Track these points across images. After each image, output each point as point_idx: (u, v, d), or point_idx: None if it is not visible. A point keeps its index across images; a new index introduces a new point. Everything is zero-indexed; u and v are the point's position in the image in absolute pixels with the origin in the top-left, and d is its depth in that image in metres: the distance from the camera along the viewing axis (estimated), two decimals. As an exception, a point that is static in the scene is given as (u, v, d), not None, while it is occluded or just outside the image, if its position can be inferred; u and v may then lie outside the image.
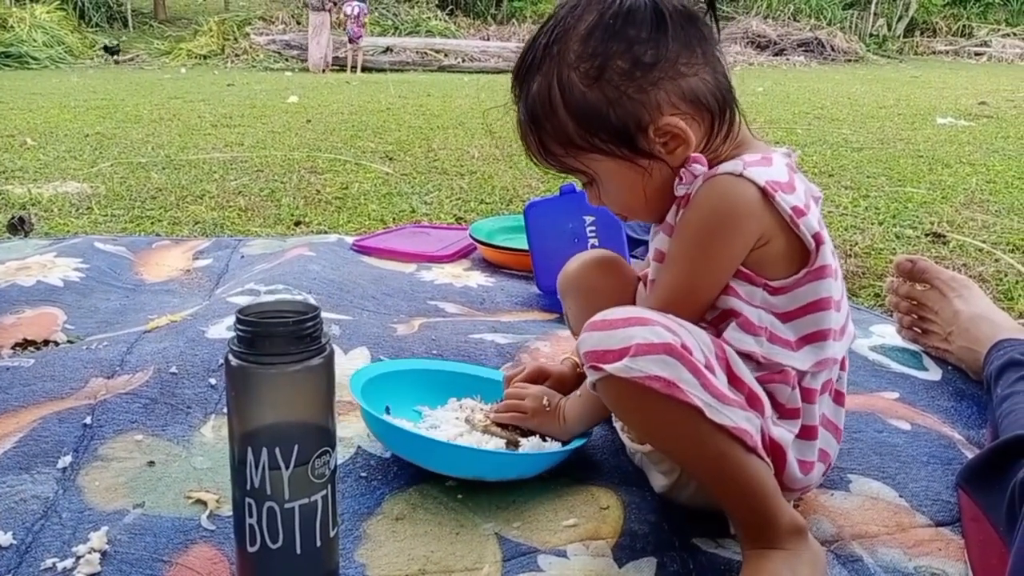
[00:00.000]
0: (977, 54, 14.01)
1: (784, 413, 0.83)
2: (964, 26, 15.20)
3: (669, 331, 0.75)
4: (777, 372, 0.82)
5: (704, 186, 0.80)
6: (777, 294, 0.81)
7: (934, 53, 14.25)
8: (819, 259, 0.80)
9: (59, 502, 0.88)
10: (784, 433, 0.82)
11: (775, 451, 0.80)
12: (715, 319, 0.84)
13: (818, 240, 0.80)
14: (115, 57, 11.84)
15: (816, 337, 0.82)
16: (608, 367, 0.74)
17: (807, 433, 0.84)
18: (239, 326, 0.70)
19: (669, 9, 0.81)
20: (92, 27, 13.73)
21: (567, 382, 1.04)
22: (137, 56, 12.25)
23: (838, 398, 0.88)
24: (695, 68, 0.81)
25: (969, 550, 0.84)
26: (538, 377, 1.06)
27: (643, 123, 0.81)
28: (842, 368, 0.88)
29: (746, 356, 0.81)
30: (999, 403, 1.04)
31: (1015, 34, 14.84)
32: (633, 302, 0.97)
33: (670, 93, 0.81)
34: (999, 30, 15.02)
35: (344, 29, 10.85)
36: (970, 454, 1.01)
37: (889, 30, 14.55)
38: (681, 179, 0.82)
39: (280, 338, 0.70)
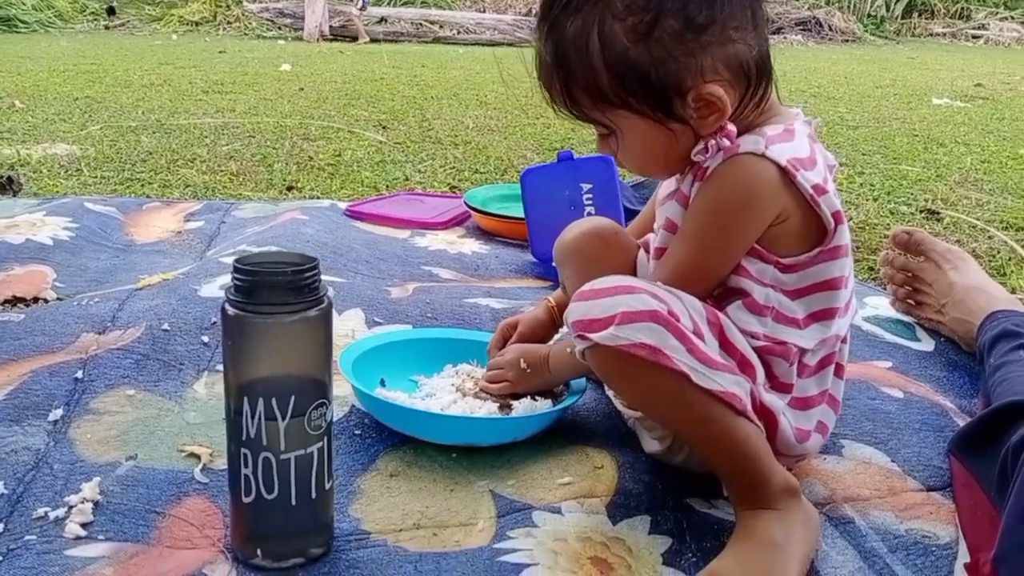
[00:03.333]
0: (974, 37, 13.97)
1: (776, 385, 0.83)
2: (962, 8, 15.15)
3: (655, 298, 0.75)
4: (778, 344, 0.81)
5: (724, 165, 0.78)
6: (788, 271, 0.80)
7: (931, 35, 14.20)
8: (835, 238, 0.80)
9: (50, 454, 0.87)
10: (775, 400, 0.82)
11: (766, 416, 0.80)
12: (720, 295, 0.83)
13: (837, 219, 0.79)
14: (113, 18, 11.79)
15: (824, 315, 0.82)
16: (594, 336, 0.74)
17: (801, 404, 0.84)
18: (236, 275, 0.70)
19: None
20: (82, -9, 13.52)
21: (539, 326, 1.04)
22: (128, 22, 12.09)
23: (838, 371, 0.88)
24: (743, 33, 0.78)
25: (960, 514, 0.85)
26: (507, 329, 1.05)
27: (684, 88, 0.77)
28: (843, 341, 0.87)
29: (748, 335, 0.80)
30: (991, 372, 1.05)
31: (1013, 17, 14.80)
32: (633, 270, 0.96)
33: (716, 59, 0.77)
34: (997, 13, 14.97)
35: None
36: (962, 422, 1.02)
37: (887, 11, 14.49)
38: (706, 149, 0.79)
39: (278, 288, 0.70)
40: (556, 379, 0.97)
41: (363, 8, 10.58)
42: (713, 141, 0.79)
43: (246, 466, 0.72)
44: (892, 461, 0.93)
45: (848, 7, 13.65)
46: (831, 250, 0.80)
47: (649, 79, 0.77)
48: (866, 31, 13.23)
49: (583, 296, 0.77)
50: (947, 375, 1.17)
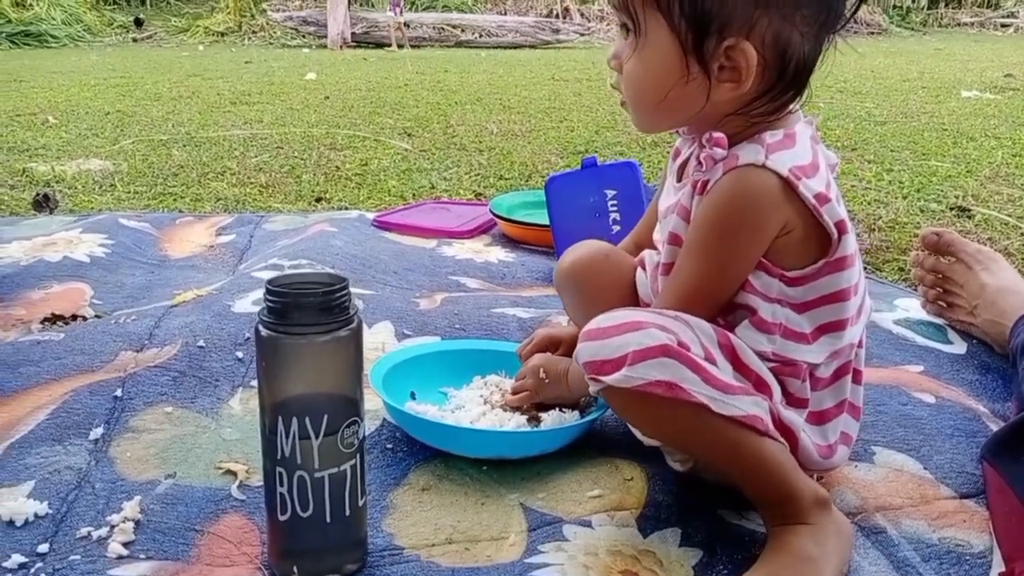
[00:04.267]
0: (1004, 25, 13.75)
1: (792, 402, 0.82)
2: (990, -3, 14.93)
3: (664, 330, 0.74)
4: (788, 365, 0.81)
5: (724, 180, 0.77)
6: (794, 284, 0.79)
7: (959, 25, 14.01)
8: (840, 249, 0.78)
9: (92, 472, 0.89)
10: (794, 416, 0.81)
11: (786, 432, 0.80)
12: (728, 312, 0.83)
13: (841, 229, 0.78)
14: (140, 30, 12.04)
15: (833, 327, 0.81)
16: (607, 379, 0.74)
17: (817, 418, 0.84)
18: (269, 297, 0.71)
19: None
20: (110, 5, 13.72)
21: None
22: (155, 33, 12.26)
23: (856, 377, 0.87)
24: (806, 28, 0.76)
25: (994, 521, 0.84)
26: (548, 345, 1.05)
27: (725, 31, 0.75)
28: (859, 346, 0.86)
29: (758, 355, 0.80)
30: (1024, 376, 1.04)
31: (1042, 5, 14.56)
32: (632, 290, 0.95)
33: (769, 27, 0.75)
34: (1026, 0, 14.73)
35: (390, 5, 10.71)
36: (995, 427, 1.01)
37: (913, 1, 14.31)
38: (700, 164, 0.79)
39: (309, 309, 0.71)
40: (575, 394, 0.98)
41: (398, 13, 10.51)
42: (706, 152, 0.78)
43: (281, 485, 0.73)
44: (924, 468, 0.93)
45: (873, -1, 13.49)
46: (836, 261, 0.79)
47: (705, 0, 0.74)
48: (892, 22, 13.08)
49: (590, 336, 0.76)
50: (980, 378, 1.16)
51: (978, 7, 14.74)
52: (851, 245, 0.80)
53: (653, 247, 0.96)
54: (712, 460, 0.81)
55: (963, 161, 2.92)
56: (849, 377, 0.85)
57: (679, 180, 0.87)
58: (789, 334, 0.80)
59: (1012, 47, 10.73)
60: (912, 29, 13.21)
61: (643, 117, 0.85)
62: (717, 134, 0.78)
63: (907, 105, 4.57)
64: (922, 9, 14.22)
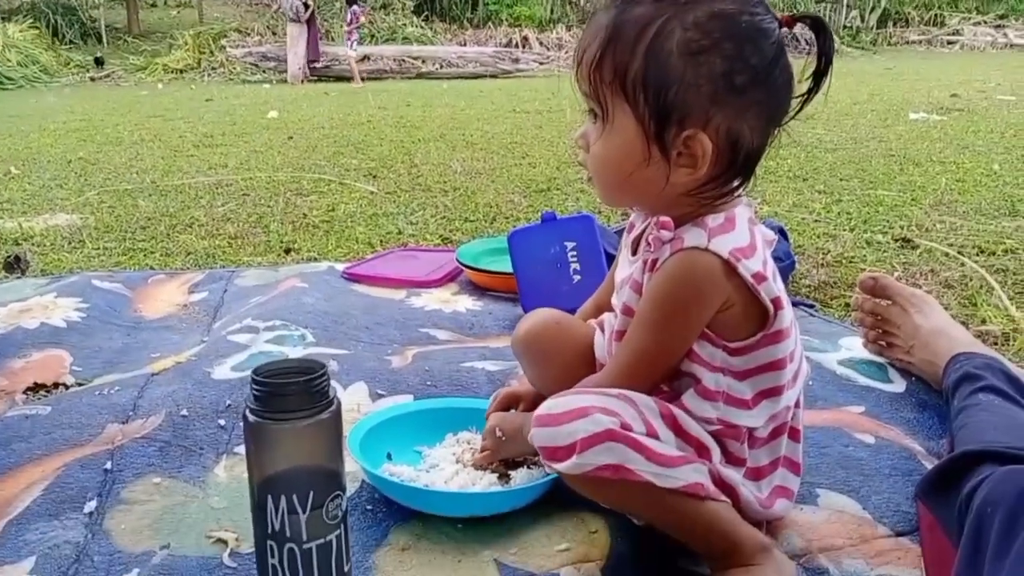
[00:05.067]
0: (950, 42, 14.19)
1: (731, 460, 0.91)
2: (936, 15, 15.39)
3: (608, 414, 0.82)
4: (731, 428, 0.89)
5: (671, 260, 0.85)
6: (736, 355, 0.88)
7: (907, 43, 14.43)
8: (776, 323, 0.86)
9: (90, 546, 0.94)
10: (732, 473, 0.89)
11: (727, 489, 0.88)
12: (674, 379, 0.91)
13: (776, 305, 0.86)
14: (99, 69, 12.04)
15: (771, 392, 0.89)
16: (560, 466, 0.83)
17: (754, 474, 0.92)
18: (255, 386, 0.77)
19: (783, 64, 0.83)
20: (66, 44, 13.67)
21: (539, 399, 1.10)
22: (113, 72, 12.22)
23: (793, 435, 0.95)
24: (756, 123, 0.84)
25: (925, 558, 0.92)
26: (510, 402, 1.11)
27: (686, 121, 0.82)
28: (796, 406, 0.94)
29: (703, 421, 0.88)
30: (955, 415, 1.13)
31: (986, 22, 15.04)
32: (583, 355, 1.03)
33: (724, 122, 0.82)
34: (970, 18, 15.21)
35: (347, 39, 10.80)
36: (929, 465, 1.09)
37: (862, 21, 14.69)
38: (649, 245, 0.87)
39: (292, 396, 0.77)
40: (531, 449, 1.04)
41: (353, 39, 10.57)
42: (654, 234, 0.86)
43: (272, 556, 0.79)
44: (863, 508, 1.01)
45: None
46: (773, 334, 0.87)
47: (668, 90, 0.81)
48: (843, 43, 13.42)
49: (542, 422, 0.84)
50: (917, 416, 1.25)
51: (925, 25, 15.17)
52: (787, 319, 0.88)
53: (612, 310, 1.03)
54: (660, 524, 0.89)
55: (909, 189, 3.05)
56: (785, 436, 0.94)
57: (633, 254, 0.95)
58: (732, 400, 0.88)
59: (958, 64, 11.08)
60: (863, 49, 13.56)
61: (607, 193, 0.94)
62: (664, 218, 0.87)
63: (856, 130, 4.73)
64: (871, 29, 14.60)
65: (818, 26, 0.85)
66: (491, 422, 1.06)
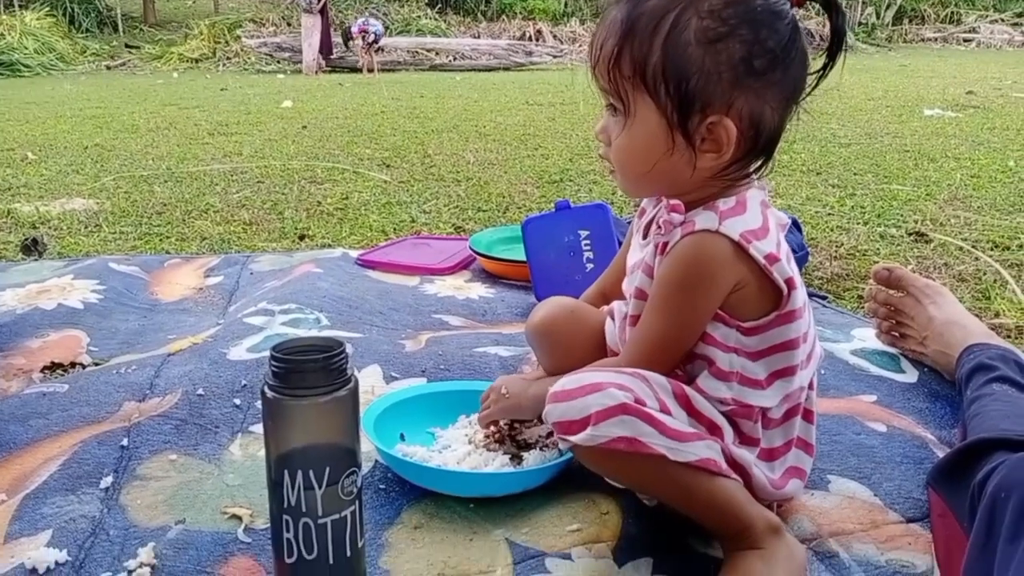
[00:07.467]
0: (966, 40, 14.10)
1: (744, 440, 0.91)
2: (952, 13, 15.29)
3: (621, 389, 0.83)
4: (744, 407, 0.90)
5: (682, 243, 0.86)
6: (749, 335, 0.88)
7: (923, 40, 14.34)
8: (789, 303, 0.87)
9: (106, 520, 0.96)
10: (745, 453, 0.90)
11: (739, 469, 0.88)
12: (689, 361, 0.91)
13: (790, 285, 0.87)
14: (133, 52, 12.16)
15: (784, 373, 0.90)
16: (574, 438, 0.83)
17: (768, 455, 0.93)
18: (274, 363, 0.78)
19: (798, 43, 0.83)
20: (82, 33, 13.73)
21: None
22: (129, 61, 12.27)
23: (807, 416, 0.96)
24: (776, 103, 0.85)
25: (936, 544, 0.92)
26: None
27: (708, 109, 0.82)
28: (810, 388, 0.95)
29: (717, 401, 0.89)
30: (968, 405, 1.13)
31: (1003, 20, 14.93)
32: (596, 342, 1.04)
33: (746, 105, 0.83)
34: (987, 16, 15.10)
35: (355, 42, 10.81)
36: (941, 453, 1.09)
37: (878, 18, 14.61)
38: (660, 228, 0.88)
39: (311, 373, 0.78)
40: (533, 410, 1.04)
41: (371, 40, 10.54)
42: (665, 218, 0.87)
43: (288, 530, 0.80)
44: (875, 495, 1.01)
45: (839, 16, 13.73)
46: (787, 314, 0.88)
47: (688, 80, 0.82)
48: (858, 39, 13.35)
49: (557, 398, 0.85)
50: (929, 406, 1.25)
51: (941, 23, 15.06)
52: (800, 299, 0.89)
53: (617, 295, 1.04)
54: (672, 501, 0.89)
55: (923, 184, 3.04)
56: (799, 417, 0.94)
57: (644, 238, 0.95)
58: (745, 381, 0.89)
59: (974, 62, 11.01)
60: (878, 46, 13.48)
61: (632, 185, 0.94)
62: (674, 201, 0.88)
63: (871, 125, 4.71)
64: (887, 26, 14.52)
65: (828, 3, 0.86)
66: (497, 381, 1.09)
